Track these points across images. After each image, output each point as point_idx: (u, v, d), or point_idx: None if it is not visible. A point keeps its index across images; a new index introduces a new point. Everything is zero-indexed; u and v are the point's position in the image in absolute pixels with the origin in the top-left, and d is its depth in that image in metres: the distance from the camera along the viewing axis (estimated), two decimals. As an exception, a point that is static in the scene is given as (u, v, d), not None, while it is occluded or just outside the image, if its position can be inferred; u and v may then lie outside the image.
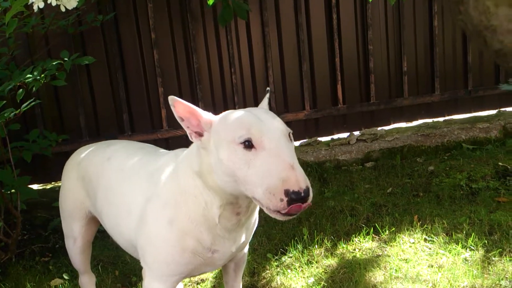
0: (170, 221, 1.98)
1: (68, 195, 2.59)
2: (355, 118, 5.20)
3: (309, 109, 5.03)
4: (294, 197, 1.57)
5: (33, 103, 3.09)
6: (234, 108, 4.80)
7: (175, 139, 4.69)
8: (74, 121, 4.50)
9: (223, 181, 1.76)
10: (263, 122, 1.75)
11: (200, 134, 1.84)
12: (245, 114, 1.79)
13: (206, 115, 1.84)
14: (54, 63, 3.39)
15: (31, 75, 3.23)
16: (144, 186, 2.14)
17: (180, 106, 1.83)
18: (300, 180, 1.59)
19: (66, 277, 3.17)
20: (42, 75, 3.24)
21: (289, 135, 1.81)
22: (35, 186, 4.54)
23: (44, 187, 4.76)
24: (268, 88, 2.21)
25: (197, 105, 4.72)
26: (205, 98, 4.76)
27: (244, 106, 4.89)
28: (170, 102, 1.81)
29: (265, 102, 2.11)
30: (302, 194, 1.58)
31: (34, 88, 3.22)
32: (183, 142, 4.63)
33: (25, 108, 3.04)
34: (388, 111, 5.23)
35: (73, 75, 4.36)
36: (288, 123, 5.28)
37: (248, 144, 1.68)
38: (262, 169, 1.64)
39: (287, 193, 1.58)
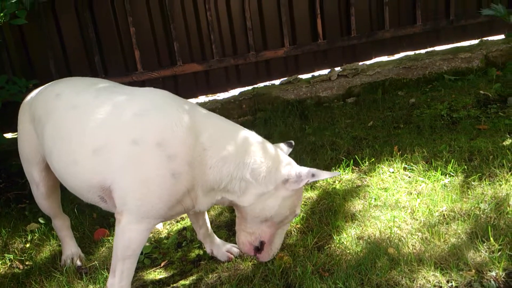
0: (174, 175, 2.00)
1: (23, 140, 2.49)
2: (336, 53, 5.08)
3: (288, 45, 4.88)
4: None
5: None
6: (211, 47, 4.66)
7: (151, 81, 4.55)
8: (44, 65, 4.33)
9: (258, 208, 2.19)
10: None
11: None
12: None
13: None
14: (13, 1, 3.21)
15: (-11, 15, 3.06)
16: (129, 127, 2.05)
17: None
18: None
19: (42, 221, 3.12)
20: (1, 14, 3.07)
21: None
22: (9, 135, 4.42)
23: (19, 135, 4.65)
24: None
25: (173, 46, 4.58)
26: (180, 37, 4.58)
27: (221, 44, 4.73)
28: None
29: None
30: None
31: (-6, 29, 3.06)
32: (159, 85, 4.50)
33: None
34: (370, 45, 5.10)
35: (39, 17, 4.16)
36: (267, 61, 5.15)
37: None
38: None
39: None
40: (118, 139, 2.05)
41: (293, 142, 2.48)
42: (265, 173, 2.15)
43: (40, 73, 4.30)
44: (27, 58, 4.33)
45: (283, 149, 2.41)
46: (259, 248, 2.32)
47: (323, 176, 2.19)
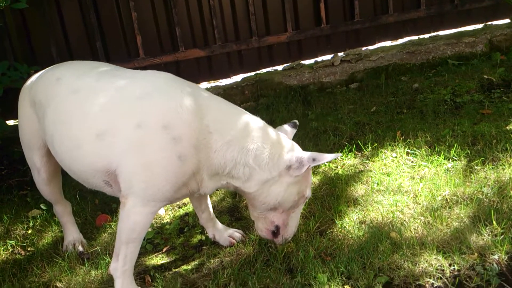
0: (180, 157, 1.99)
1: (24, 125, 2.47)
2: (339, 38, 5.04)
3: (291, 30, 4.85)
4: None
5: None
6: (213, 32, 4.62)
7: (153, 67, 4.53)
8: (46, 52, 4.31)
9: (263, 195, 2.17)
10: None
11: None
12: None
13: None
14: (13, -14, 3.18)
15: (-12, -1, 3.04)
16: (132, 110, 2.03)
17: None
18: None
19: (43, 208, 3.12)
20: (1, -1, 3.05)
21: None
22: (11, 122, 4.41)
23: (21, 122, 4.64)
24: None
25: (175, 31, 4.55)
26: (182, 23, 4.55)
27: (224, 29, 4.70)
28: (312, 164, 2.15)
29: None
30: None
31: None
32: (161, 71, 4.47)
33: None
34: (373, 30, 5.05)
35: (41, 3, 4.14)
36: (270, 47, 5.12)
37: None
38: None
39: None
40: (122, 123, 2.04)
41: (297, 121, 2.44)
42: (268, 159, 2.12)
43: (41, 60, 4.28)
44: (29, 44, 4.31)
45: (287, 130, 2.38)
46: (275, 232, 2.31)
47: (325, 159, 2.14)
